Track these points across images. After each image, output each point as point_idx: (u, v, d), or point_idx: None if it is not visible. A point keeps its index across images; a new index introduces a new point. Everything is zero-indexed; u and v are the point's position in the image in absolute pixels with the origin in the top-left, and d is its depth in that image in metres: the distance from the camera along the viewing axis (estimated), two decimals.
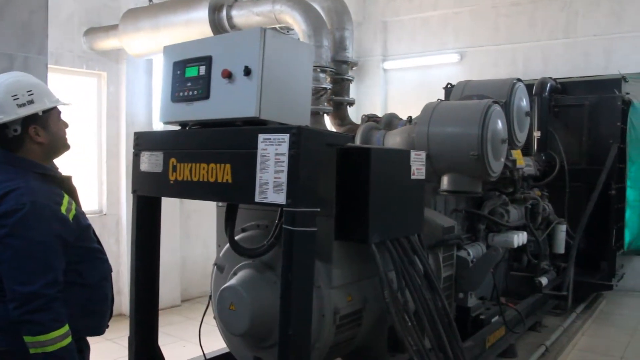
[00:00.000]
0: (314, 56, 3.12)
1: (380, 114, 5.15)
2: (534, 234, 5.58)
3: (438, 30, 9.69)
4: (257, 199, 2.54)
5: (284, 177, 2.45)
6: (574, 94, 7.17)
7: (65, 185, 2.39)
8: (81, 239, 2.32)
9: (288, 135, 2.45)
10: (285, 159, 2.46)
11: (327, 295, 2.97)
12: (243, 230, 3.32)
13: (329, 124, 5.26)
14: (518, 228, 5.37)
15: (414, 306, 3.19)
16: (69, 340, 2.15)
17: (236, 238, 3.23)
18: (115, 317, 6.52)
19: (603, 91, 6.98)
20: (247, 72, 2.57)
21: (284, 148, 2.47)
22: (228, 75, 2.62)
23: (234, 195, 2.72)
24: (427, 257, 3.50)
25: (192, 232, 7.25)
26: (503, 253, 5.75)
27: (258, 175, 2.53)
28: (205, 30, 5.11)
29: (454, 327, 3.39)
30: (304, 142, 2.46)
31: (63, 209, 2.22)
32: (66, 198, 2.29)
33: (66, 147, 2.43)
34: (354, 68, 5.17)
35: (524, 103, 4.77)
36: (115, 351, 5.36)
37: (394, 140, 4.22)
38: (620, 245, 7.16)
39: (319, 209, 2.56)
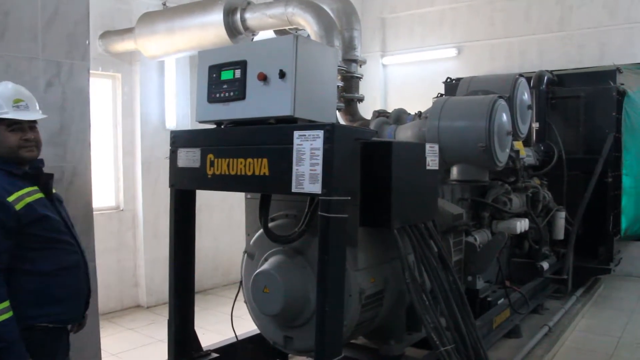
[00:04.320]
0: (338, 58, 3.37)
1: (380, 108, 5.41)
2: (534, 220, 5.85)
3: (435, 25, 9.93)
4: (294, 189, 2.81)
5: (319, 169, 2.73)
6: (570, 85, 7.41)
7: (41, 180, 2.59)
8: (32, 226, 2.47)
9: (322, 131, 2.74)
10: (320, 153, 2.73)
11: (353, 276, 3.22)
12: (272, 219, 3.56)
13: (341, 119, 5.51)
14: (520, 215, 5.64)
15: (429, 286, 3.45)
16: (5, 316, 2.31)
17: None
18: (133, 308, 6.84)
19: (598, 82, 7.23)
20: (282, 75, 2.84)
21: (319, 143, 2.74)
22: (264, 78, 2.89)
23: (272, 187, 2.99)
24: (441, 241, 3.77)
25: (203, 225, 7.48)
26: (507, 239, 6.05)
27: (294, 167, 2.81)
28: (220, 33, 5.34)
29: (466, 305, 3.64)
30: (337, 137, 2.74)
31: (11, 198, 2.41)
32: (26, 190, 2.48)
33: (17, 158, 2.54)
34: (362, 66, 5.39)
35: (526, 97, 5.04)
36: (138, 340, 5.63)
37: (405, 134, 4.48)
38: (617, 231, 7.43)
39: (349, 197, 2.84)
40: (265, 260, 3.45)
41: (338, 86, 5.11)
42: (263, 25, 5.34)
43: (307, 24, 4.97)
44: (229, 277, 7.78)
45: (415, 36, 10.12)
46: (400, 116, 4.88)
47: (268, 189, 3.12)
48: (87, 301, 2.80)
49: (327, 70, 3.13)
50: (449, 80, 7.61)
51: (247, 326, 3.81)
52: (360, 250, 3.29)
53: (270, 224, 3.51)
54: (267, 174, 2.91)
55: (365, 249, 3.35)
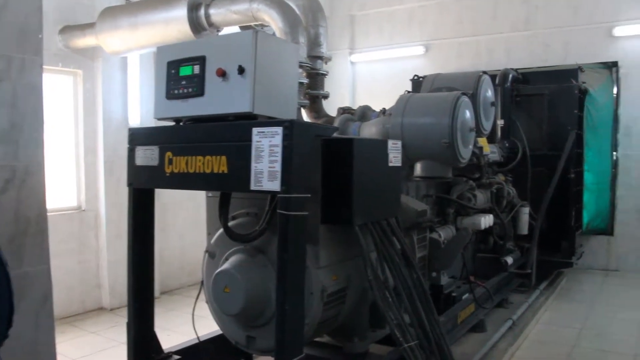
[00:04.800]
0: (299, 54, 3.34)
1: (349, 106, 5.39)
2: (499, 216, 5.92)
3: (404, 23, 9.97)
4: (252, 187, 2.77)
5: (278, 167, 2.70)
6: (535, 83, 7.53)
7: None
8: None
9: (281, 128, 2.71)
10: (279, 150, 2.70)
11: (315, 274, 3.20)
12: (233, 218, 3.53)
13: (305, 117, 5.48)
14: (484, 211, 5.70)
15: (393, 283, 3.45)
16: None
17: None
18: (96, 310, 6.67)
19: (561, 81, 7.35)
20: (241, 70, 2.80)
21: (278, 140, 2.72)
22: (222, 73, 2.85)
23: (230, 185, 2.95)
24: (404, 238, 3.77)
25: (169, 224, 7.40)
26: (471, 235, 6.10)
27: (253, 165, 2.77)
28: (184, 28, 5.25)
29: (430, 301, 3.65)
30: (296, 134, 2.71)
31: None
32: None
33: None
34: (327, 63, 5.37)
35: (490, 94, 5.09)
36: (100, 343, 5.51)
37: (369, 130, 4.48)
38: (579, 226, 7.59)
39: (309, 195, 2.81)
40: (226, 259, 3.41)
41: (303, 83, 5.08)
42: (228, 21, 5.27)
43: (272, 20, 4.92)
44: (196, 277, 7.67)
45: (384, 34, 10.15)
46: (365, 113, 4.88)
47: (227, 187, 3.08)
48: (10, 319, 2.30)
49: (288, 67, 3.10)
50: (416, 77, 7.65)
51: (211, 326, 3.76)
52: (322, 247, 3.27)
53: (231, 223, 3.48)
54: (225, 171, 2.87)
55: (327, 246, 3.33)
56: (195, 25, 5.28)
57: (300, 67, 5.04)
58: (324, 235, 3.30)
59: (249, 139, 2.78)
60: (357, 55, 10.41)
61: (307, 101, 5.16)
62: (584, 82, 7.61)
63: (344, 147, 3.15)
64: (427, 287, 4.52)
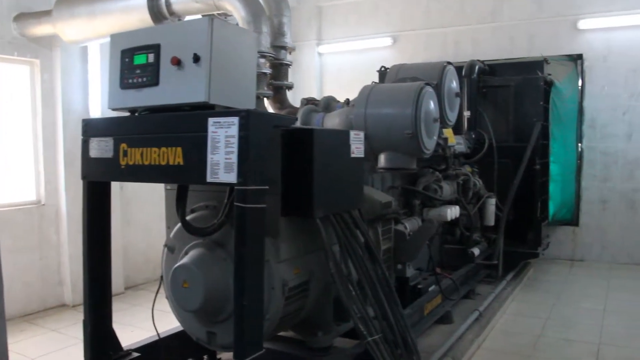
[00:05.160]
0: (257, 42, 3.25)
1: (316, 97, 5.31)
2: (465, 207, 5.93)
3: (371, 14, 9.91)
4: (209, 179, 2.70)
5: (234, 158, 2.63)
6: (501, 75, 7.56)
7: None
8: None
9: (237, 118, 2.63)
10: (235, 140, 2.63)
11: (275, 268, 3.15)
12: (192, 211, 3.45)
13: (269, 108, 5.38)
14: (451, 202, 5.70)
15: (357, 276, 3.40)
16: None
17: (187, 218, 3.36)
18: (57, 307, 6.49)
19: (527, 72, 7.39)
20: (196, 59, 2.71)
21: (234, 130, 2.65)
22: (177, 62, 2.76)
23: (186, 177, 2.87)
24: (367, 230, 3.73)
25: (133, 218, 7.23)
26: (438, 226, 6.10)
27: (209, 156, 2.70)
28: (144, 17, 5.10)
29: (394, 294, 3.63)
30: (252, 124, 2.64)
31: None
32: None
33: None
34: (291, 53, 5.28)
35: (454, 84, 5.06)
36: (61, 341, 5.36)
37: (332, 121, 4.41)
38: (545, 217, 7.67)
39: (267, 187, 2.74)
40: (186, 253, 3.33)
41: (266, 73, 4.99)
42: (189, 10, 5.13)
43: (234, 9, 4.80)
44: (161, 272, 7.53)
45: (351, 25, 10.08)
46: (329, 104, 4.81)
47: (183, 179, 2.99)
48: None
49: (246, 55, 3.03)
50: (383, 69, 7.61)
51: (175, 322, 3.66)
52: (282, 240, 3.22)
53: (190, 216, 3.42)
54: (181, 163, 2.80)
55: (288, 239, 3.28)
56: (156, 14, 5.13)
57: (264, 57, 4.94)
58: (285, 228, 3.25)
59: (205, 130, 2.71)
60: (325, 46, 10.33)
61: (270, 92, 5.07)
62: (549, 74, 7.67)
63: (304, 137, 3.09)
64: (393, 279, 4.54)
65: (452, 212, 5.45)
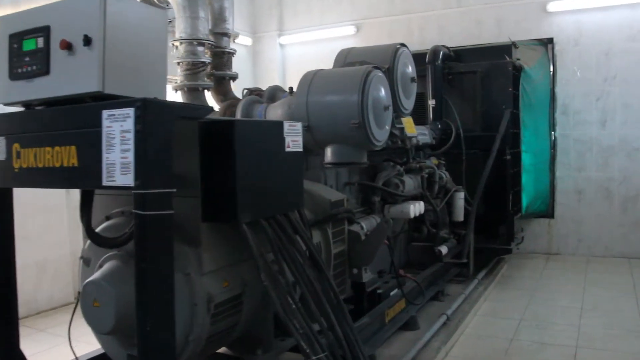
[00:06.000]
0: (167, 20, 2.80)
1: (258, 87, 4.85)
2: (431, 203, 5.52)
3: (334, 2, 9.49)
4: (104, 183, 2.29)
5: (131, 157, 2.21)
6: (468, 61, 7.18)
7: None
8: None
9: (132, 109, 2.20)
10: (131, 136, 2.21)
11: (198, 282, 2.73)
12: (107, 218, 3.01)
13: (211, 100, 4.92)
14: (415, 198, 5.30)
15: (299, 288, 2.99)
16: None
17: (101, 227, 2.96)
18: None
19: (495, 57, 7.04)
20: (87, 41, 2.31)
21: (130, 124, 2.23)
22: (67, 46, 2.36)
23: (81, 180, 2.44)
24: (310, 234, 3.30)
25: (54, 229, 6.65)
26: (403, 224, 5.70)
27: (104, 156, 2.28)
28: None
29: (342, 306, 3.23)
30: (151, 116, 2.22)
31: None
32: None
33: None
34: (235, 40, 4.83)
35: (410, 69, 4.62)
36: None
37: (275, 113, 3.96)
38: (518, 210, 7.29)
39: (174, 190, 2.31)
40: (100, 267, 2.87)
41: (206, 63, 4.54)
42: None
43: None
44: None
45: (314, 14, 9.64)
46: (275, 94, 4.35)
47: (77, 184, 2.53)
48: None
49: (153, 36, 2.59)
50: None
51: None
52: (206, 250, 2.79)
53: (105, 224, 2.98)
54: (76, 164, 2.38)
55: (213, 248, 2.85)
56: None
57: (202, 44, 4.51)
58: (209, 235, 2.82)
59: (100, 125, 2.28)
60: (286, 37, 9.88)
61: (210, 83, 4.62)
62: (518, 59, 7.30)
63: (224, 130, 2.66)
64: (348, 286, 4.11)
65: (416, 208, 5.06)
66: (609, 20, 7.62)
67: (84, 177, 2.37)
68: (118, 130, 2.25)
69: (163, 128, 2.27)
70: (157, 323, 2.24)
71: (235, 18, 8.96)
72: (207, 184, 2.68)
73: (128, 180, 2.22)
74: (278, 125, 2.95)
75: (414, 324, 4.80)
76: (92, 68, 2.31)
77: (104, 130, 2.27)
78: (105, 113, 2.27)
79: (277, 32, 9.82)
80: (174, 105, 2.41)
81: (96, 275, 2.76)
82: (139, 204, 2.20)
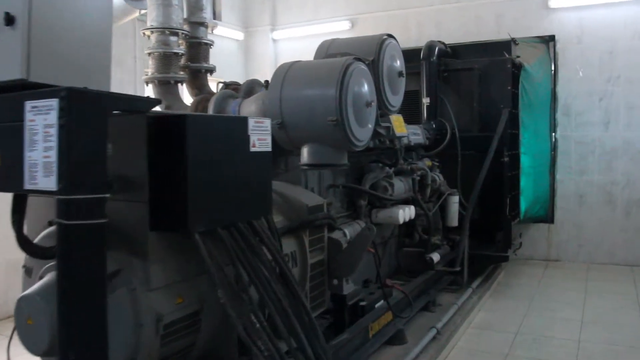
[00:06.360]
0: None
1: (235, 80, 4.51)
2: (422, 207, 5.17)
3: None
4: (26, 186, 1.99)
5: (54, 155, 1.89)
6: (465, 58, 6.83)
7: None
8: None
9: (56, 100, 1.88)
10: (54, 131, 1.89)
11: (145, 299, 2.39)
12: (50, 223, 2.68)
13: (185, 94, 4.59)
14: (406, 202, 4.97)
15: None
16: None
17: (42, 234, 2.66)
18: None
19: (493, 54, 6.70)
20: (10, 20, 2.04)
21: (53, 117, 1.91)
22: None
23: (3, 183, 2.13)
24: (280, 244, 2.97)
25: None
26: (392, 229, 5.36)
27: (26, 154, 1.97)
28: None
29: (314, 324, 2.90)
30: (78, 107, 1.90)
31: None
32: None
33: None
34: (213, 31, 4.50)
35: (397, 63, 4.26)
36: None
37: (249, 109, 3.62)
38: (516, 214, 6.94)
39: (107, 195, 2.00)
40: (41, 278, 2.54)
41: (178, 54, 4.21)
42: None
43: None
44: None
45: (308, 8, 9.32)
46: (252, 88, 4.02)
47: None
48: None
49: (94, 18, 2.33)
50: None
51: None
52: (155, 262, 2.45)
53: (47, 230, 2.67)
54: None
55: (164, 260, 2.51)
56: None
57: (175, 34, 4.19)
58: (160, 245, 2.48)
59: (23, 118, 1.97)
60: (279, 32, 9.56)
61: (185, 76, 4.29)
62: (518, 56, 6.95)
63: (175, 127, 2.33)
64: (327, 298, 3.78)
65: (406, 213, 4.74)
66: (614, 17, 7.29)
67: (6, 178, 2.08)
68: (41, 125, 1.94)
69: (94, 123, 1.95)
70: (83, 351, 1.93)
71: (227, 12, 8.66)
72: (155, 188, 2.34)
73: (50, 183, 1.91)
74: (241, 122, 2.62)
75: (401, 338, 4.45)
76: (14, 51, 2.04)
77: (27, 124, 1.97)
78: (29, 104, 1.96)
79: (270, 27, 9.51)
80: (107, 96, 2.07)
81: (31, 289, 2.44)
82: (62, 211, 1.89)
